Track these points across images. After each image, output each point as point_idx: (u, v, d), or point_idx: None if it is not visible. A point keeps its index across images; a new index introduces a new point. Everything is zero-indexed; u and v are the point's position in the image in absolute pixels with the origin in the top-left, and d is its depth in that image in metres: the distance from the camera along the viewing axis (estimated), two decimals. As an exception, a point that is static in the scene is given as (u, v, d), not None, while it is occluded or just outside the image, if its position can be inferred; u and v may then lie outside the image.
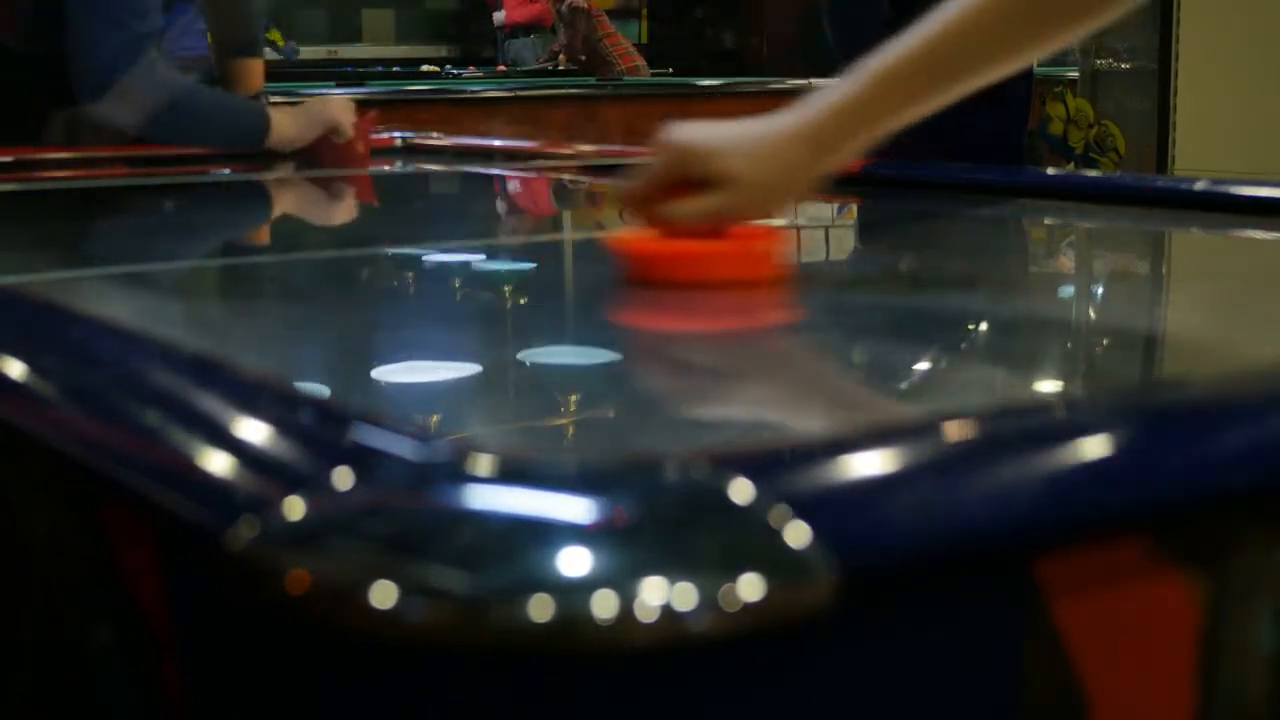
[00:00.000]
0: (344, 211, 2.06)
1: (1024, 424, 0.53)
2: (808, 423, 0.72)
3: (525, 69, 6.79)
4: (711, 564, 0.41)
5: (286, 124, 2.21)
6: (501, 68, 7.08)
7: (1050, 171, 2.51)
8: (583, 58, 6.32)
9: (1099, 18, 1.04)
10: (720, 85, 5.30)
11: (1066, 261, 1.47)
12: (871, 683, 0.46)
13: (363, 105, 2.33)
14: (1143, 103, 4.10)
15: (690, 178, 1.02)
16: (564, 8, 6.42)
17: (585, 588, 0.40)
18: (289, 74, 5.16)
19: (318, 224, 1.92)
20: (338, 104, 2.26)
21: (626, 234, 1.09)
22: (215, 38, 2.55)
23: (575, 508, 0.42)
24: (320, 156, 2.22)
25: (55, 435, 0.60)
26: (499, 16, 7.61)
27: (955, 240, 1.53)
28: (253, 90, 2.46)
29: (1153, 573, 0.52)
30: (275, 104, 2.33)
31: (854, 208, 1.83)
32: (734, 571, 0.41)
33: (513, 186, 2.22)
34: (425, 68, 6.68)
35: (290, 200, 2.20)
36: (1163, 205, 1.52)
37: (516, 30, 7.57)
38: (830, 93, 1.03)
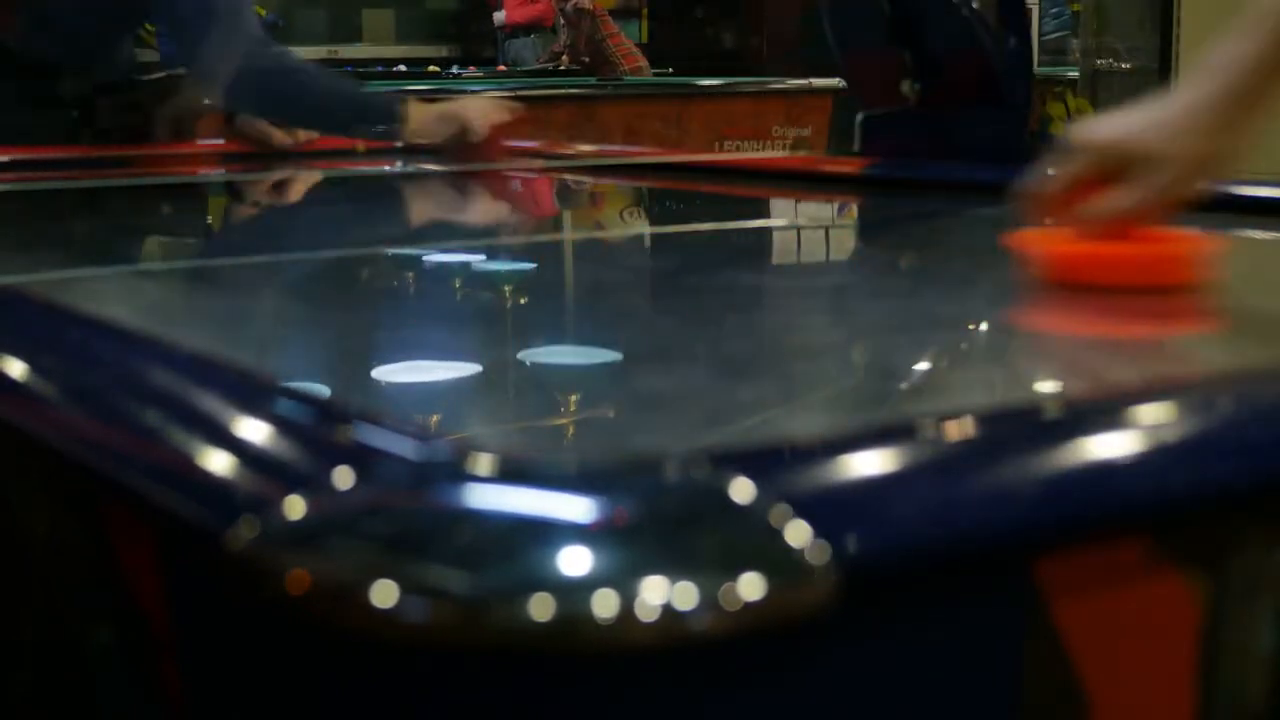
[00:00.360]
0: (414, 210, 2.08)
1: (1024, 424, 0.53)
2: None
3: (526, 69, 6.79)
4: (712, 564, 0.41)
5: (424, 118, 2.28)
6: (501, 68, 7.09)
7: (1050, 171, 2.50)
8: (586, 59, 6.34)
9: None
10: (720, 85, 5.29)
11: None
12: (871, 683, 0.46)
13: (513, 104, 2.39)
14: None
15: (1110, 171, 0.98)
16: (568, 8, 6.44)
17: (586, 587, 0.40)
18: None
19: (332, 223, 1.92)
20: (476, 104, 2.35)
21: (1039, 234, 1.04)
22: None
23: (575, 507, 0.42)
24: (454, 153, 2.27)
25: (55, 435, 0.60)
26: (499, 16, 7.60)
27: (955, 240, 1.53)
28: None
29: (1153, 573, 0.52)
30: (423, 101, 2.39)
31: (854, 208, 1.83)
32: (734, 571, 0.41)
33: (513, 186, 2.23)
34: (388, 68, 6.72)
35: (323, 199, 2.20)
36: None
37: (517, 30, 7.56)
38: (1231, 49, 0.97)
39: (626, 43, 6.63)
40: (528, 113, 2.42)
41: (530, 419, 0.77)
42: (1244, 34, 0.96)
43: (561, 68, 6.44)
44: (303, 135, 2.38)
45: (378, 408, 0.76)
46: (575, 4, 6.42)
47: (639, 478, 0.45)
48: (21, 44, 2.28)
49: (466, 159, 2.26)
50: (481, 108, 2.33)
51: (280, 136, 2.34)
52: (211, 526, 0.45)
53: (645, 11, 8.74)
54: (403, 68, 6.70)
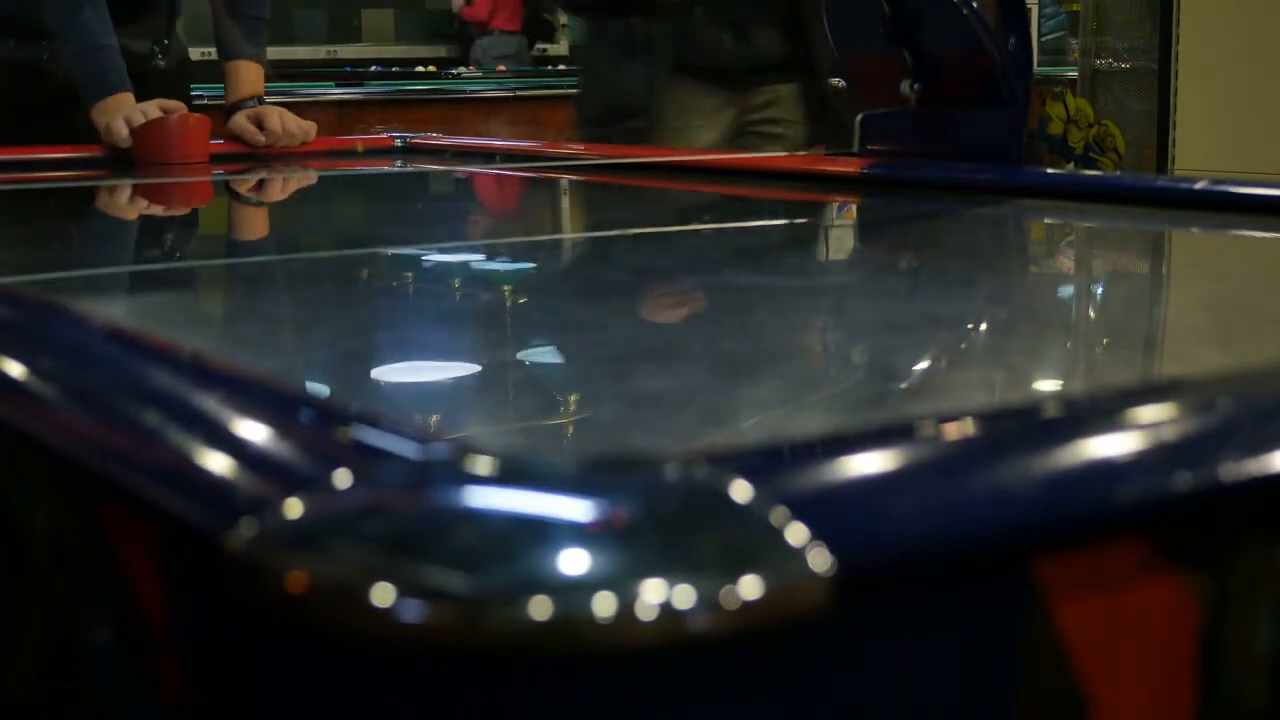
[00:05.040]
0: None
1: (1024, 424, 0.53)
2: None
3: (518, 69, 6.82)
4: (711, 564, 0.41)
5: (108, 111, 2.25)
6: (471, 68, 7.09)
7: (1050, 171, 2.51)
8: None
9: None
10: (720, 85, 5.28)
11: (1066, 261, 1.47)
12: (871, 683, 0.46)
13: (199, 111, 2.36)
14: (1143, 103, 4.10)
15: None
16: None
17: (585, 588, 0.40)
18: (289, 74, 5.16)
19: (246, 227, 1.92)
20: (156, 101, 2.30)
21: None
22: (218, 37, 2.54)
23: (575, 508, 0.42)
24: (143, 151, 2.24)
25: (55, 435, 0.60)
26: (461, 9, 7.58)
27: (955, 240, 1.53)
28: (251, 94, 2.44)
29: (1153, 573, 0.52)
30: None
31: (854, 208, 1.84)
32: (733, 572, 0.41)
33: (513, 186, 2.23)
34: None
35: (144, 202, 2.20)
36: (1163, 205, 1.52)
37: (489, 29, 7.57)
38: None
39: None
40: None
41: (529, 419, 0.77)
42: None
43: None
44: (298, 136, 2.37)
45: (377, 408, 0.76)
46: None
47: (638, 478, 0.45)
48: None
49: (159, 156, 2.24)
50: (158, 102, 2.29)
51: (274, 136, 2.34)
52: (211, 527, 0.45)
53: (645, 11, 8.76)
54: (396, 68, 6.70)
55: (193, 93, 2.68)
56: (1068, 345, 0.99)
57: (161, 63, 2.55)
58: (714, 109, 2.73)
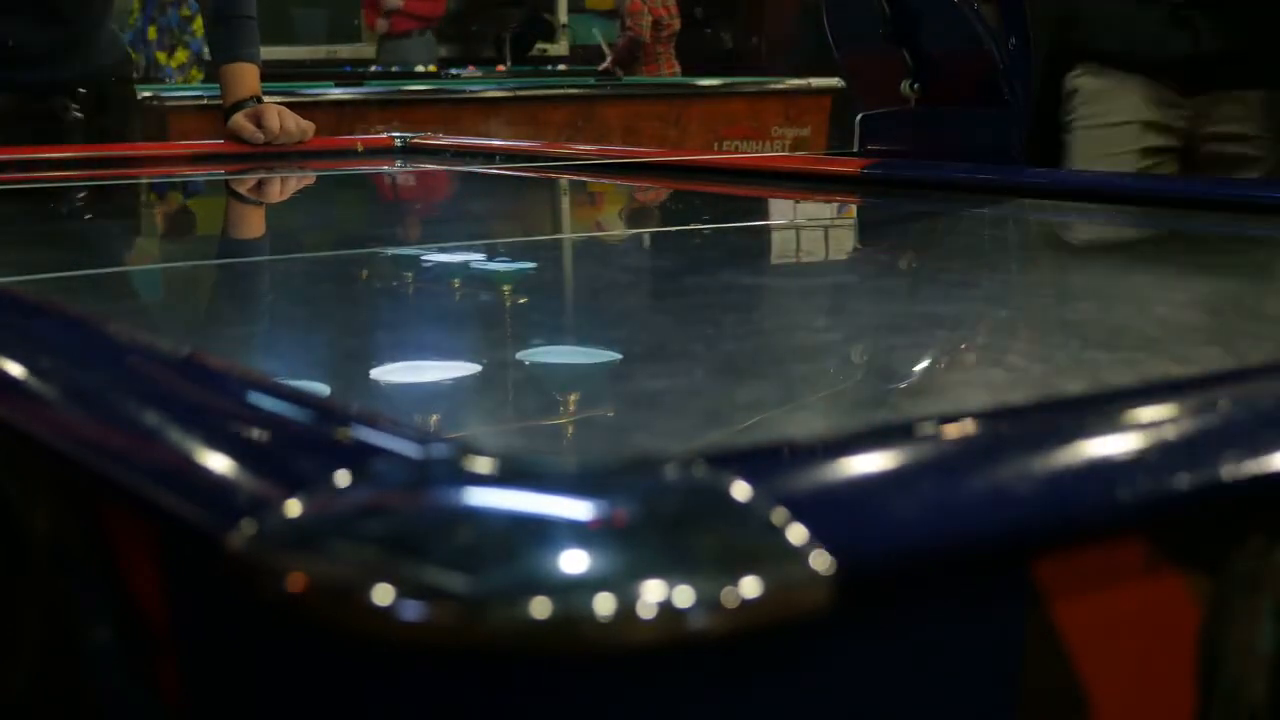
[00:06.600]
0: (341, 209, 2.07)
1: (1024, 424, 0.53)
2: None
3: (411, 70, 6.76)
4: (710, 564, 0.41)
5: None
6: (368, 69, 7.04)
7: (1050, 171, 2.50)
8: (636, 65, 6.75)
9: None
10: (719, 85, 5.29)
11: (1066, 261, 1.47)
12: (871, 683, 0.46)
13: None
14: (1143, 103, 4.09)
15: None
16: (625, 36, 6.92)
17: (585, 587, 0.40)
18: (289, 74, 5.16)
19: (315, 222, 1.92)
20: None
21: None
22: (210, 42, 2.55)
23: (575, 508, 0.42)
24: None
25: (55, 435, 0.60)
26: (384, 23, 7.52)
27: (955, 240, 1.53)
28: (249, 95, 2.45)
29: (1153, 573, 0.52)
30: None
31: (854, 208, 1.84)
32: (733, 571, 0.41)
33: (513, 186, 2.23)
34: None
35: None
36: (1163, 205, 1.52)
37: (410, 30, 7.51)
38: None
39: (670, 66, 7.03)
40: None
41: (529, 419, 0.77)
42: None
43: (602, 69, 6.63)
44: (296, 134, 2.38)
45: (377, 408, 0.76)
46: (632, 35, 6.83)
47: (638, 478, 0.45)
48: None
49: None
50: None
51: (272, 133, 2.35)
52: (211, 527, 0.45)
53: (645, 11, 8.76)
54: (397, 68, 6.69)
55: (196, 94, 2.69)
56: (1068, 345, 0.99)
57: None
58: (1137, 107, 2.23)
